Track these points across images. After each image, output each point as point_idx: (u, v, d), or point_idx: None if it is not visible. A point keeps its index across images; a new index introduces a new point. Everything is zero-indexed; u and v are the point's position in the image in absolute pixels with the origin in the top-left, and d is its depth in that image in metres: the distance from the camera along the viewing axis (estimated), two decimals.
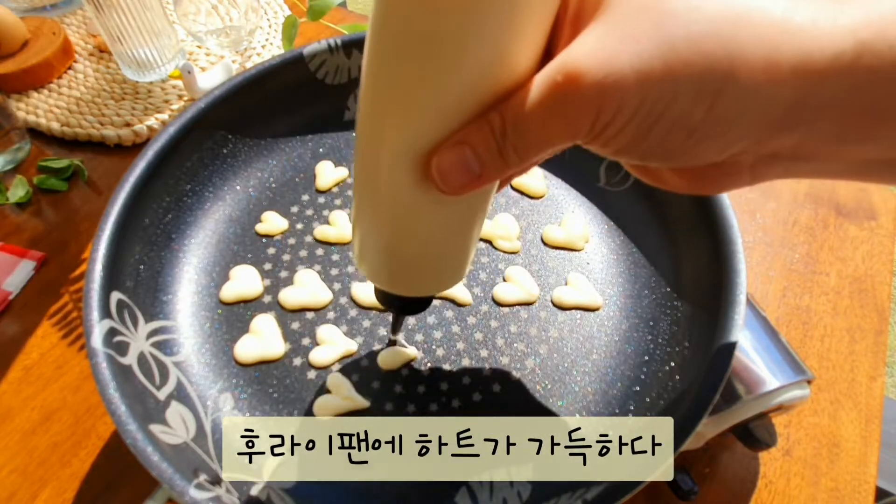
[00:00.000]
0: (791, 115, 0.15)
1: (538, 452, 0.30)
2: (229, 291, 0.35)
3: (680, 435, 0.25)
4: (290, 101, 0.41)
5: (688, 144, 0.16)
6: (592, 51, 0.15)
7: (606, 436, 0.29)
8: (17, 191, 0.47)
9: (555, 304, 0.35)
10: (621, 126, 0.16)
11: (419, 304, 0.28)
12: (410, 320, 0.34)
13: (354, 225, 0.24)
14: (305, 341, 0.33)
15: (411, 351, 0.33)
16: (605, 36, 0.15)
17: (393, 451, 0.30)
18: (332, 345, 0.33)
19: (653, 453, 0.25)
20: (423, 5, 0.15)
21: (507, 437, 0.30)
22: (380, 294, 0.27)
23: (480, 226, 0.23)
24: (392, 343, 0.33)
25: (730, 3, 0.15)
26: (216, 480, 0.26)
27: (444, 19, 0.15)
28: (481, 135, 0.17)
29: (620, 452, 0.27)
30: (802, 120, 0.15)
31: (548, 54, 0.17)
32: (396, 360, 0.32)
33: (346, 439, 0.30)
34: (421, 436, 0.30)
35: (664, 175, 0.21)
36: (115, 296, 0.30)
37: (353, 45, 0.40)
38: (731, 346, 0.27)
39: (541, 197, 0.40)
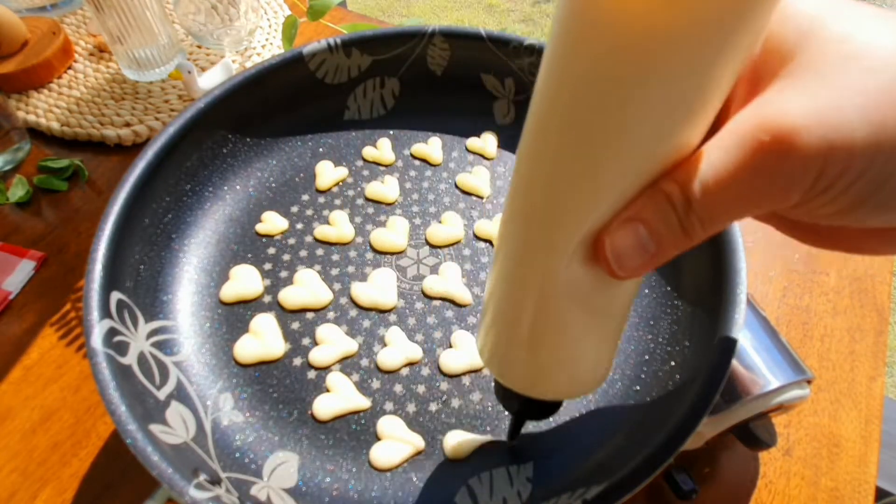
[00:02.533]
0: None
1: (538, 452, 0.30)
2: (229, 291, 0.35)
3: (680, 435, 0.25)
4: (290, 100, 0.41)
5: None
6: (804, 105, 0.14)
7: (606, 435, 0.30)
8: (17, 191, 0.47)
9: None
10: (845, 187, 0.14)
11: (547, 409, 0.25)
12: (410, 320, 0.34)
13: (486, 312, 0.22)
14: (305, 341, 0.33)
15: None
16: (816, 88, 0.14)
17: (393, 450, 0.30)
18: (332, 345, 0.33)
19: (653, 452, 0.25)
20: (609, 75, 0.14)
21: (507, 437, 0.30)
22: (505, 393, 0.24)
23: (626, 321, 0.21)
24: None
25: None
26: (216, 480, 0.26)
27: (627, 90, 0.14)
28: (657, 209, 0.16)
29: (620, 451, 0.27)
30: None
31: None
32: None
33: (347, 439, 0.30)
34: (421, 435, 0.30)
35: (852, 237, 0.18)
36: (115, 296, 0.30)
37: (352, 45, 0.40)
38: (732, 346, 0.27)
39: None
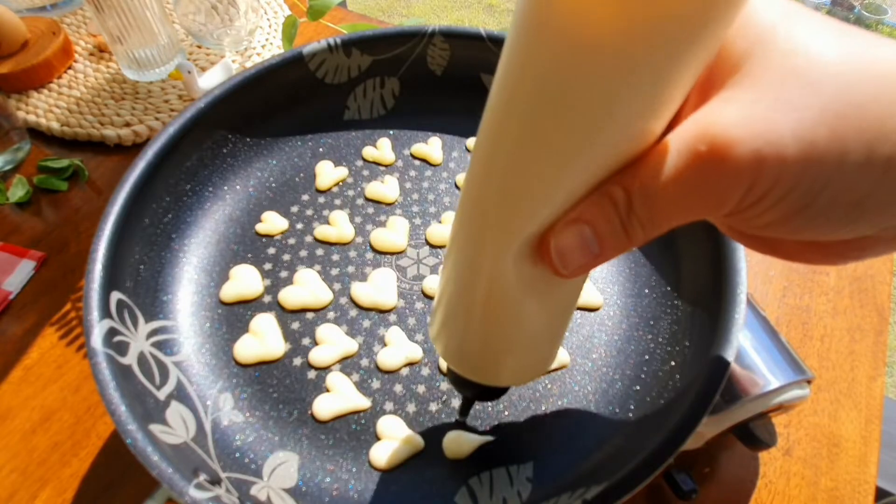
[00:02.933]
0: None
1: (538, 452, 0.30)
2: (229, 291, 0.35)
3: (680, 435, 0.25)
4: (290, 100, 0.41)
5: (848, 218, 0.15)
6: (742, 118, 0.14)
7: (606, 435, 0.30)
8: (17, 191, 0.47)
9: None
10: (775, 200, 0.15)
11: (495, 393, 0.26)
12: (410, 320, 0.34)
13: (439, 303, 0.22)
14: (305, 341, 0.33)
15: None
16: (755, 102, 0.14)
17: (393, 450, 0.30)
18: (332, 345, 0.33)
19: (652, 452, 0.25)
20: (562, 78, 0.14)
21: (508, 436, 0.30)
22: (458, 380, 0.25)
23: (572, 312, 0.22)
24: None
25: (892, 68, 0.14)
26: (216, 480, 0.26)
27: (583, 93, 0.14)
28: (602, 211, 0.16)
29: (620, 451, 0.28)
30: None
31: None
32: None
33: (347, 439, 0.30)
34: (421, 435, 0.30)
35: (788, 247, 0.19)
36: (115, 295, 0.30)
37: (352, 45, 0.40)
38: (732, 346, 0.27)
39: None
